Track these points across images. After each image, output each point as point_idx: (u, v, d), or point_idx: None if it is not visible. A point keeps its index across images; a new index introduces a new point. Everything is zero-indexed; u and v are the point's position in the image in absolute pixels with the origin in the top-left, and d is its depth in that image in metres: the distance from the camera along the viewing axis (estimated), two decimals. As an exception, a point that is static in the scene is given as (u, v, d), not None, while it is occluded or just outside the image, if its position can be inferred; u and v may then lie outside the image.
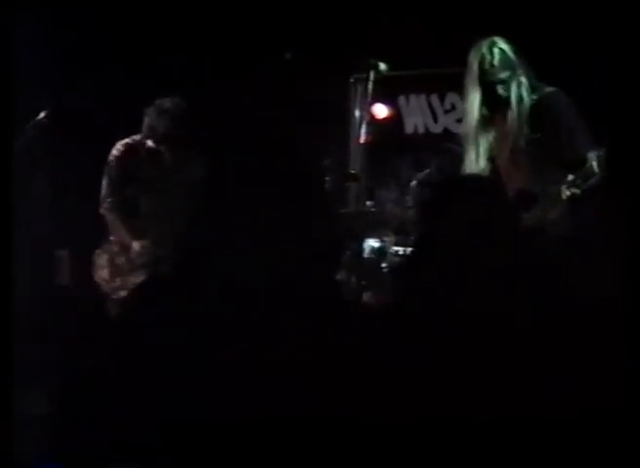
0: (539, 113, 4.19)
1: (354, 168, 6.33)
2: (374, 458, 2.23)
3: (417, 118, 6.66)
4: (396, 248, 5.84)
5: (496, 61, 4.16)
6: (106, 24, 5.77)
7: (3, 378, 2.97)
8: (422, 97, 6.61)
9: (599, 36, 5.21)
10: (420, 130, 6.67)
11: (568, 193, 3.96)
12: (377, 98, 5.99)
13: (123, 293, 4.67)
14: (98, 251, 4.85)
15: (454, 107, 6.50)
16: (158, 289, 2.56)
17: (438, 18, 5.95)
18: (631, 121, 4.49)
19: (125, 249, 4.79)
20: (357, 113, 6.37)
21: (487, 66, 4.17)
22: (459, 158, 6.07)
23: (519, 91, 4.18)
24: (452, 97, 6.50)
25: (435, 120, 6.61)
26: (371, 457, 2.23)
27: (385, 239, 5.97)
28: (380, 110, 6.17)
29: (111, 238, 4.87)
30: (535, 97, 4.22)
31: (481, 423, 2.30)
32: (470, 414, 2.32)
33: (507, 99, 4.21)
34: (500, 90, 4.19)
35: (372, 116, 6.02)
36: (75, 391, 2.32)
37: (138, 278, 4.63)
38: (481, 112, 4.27)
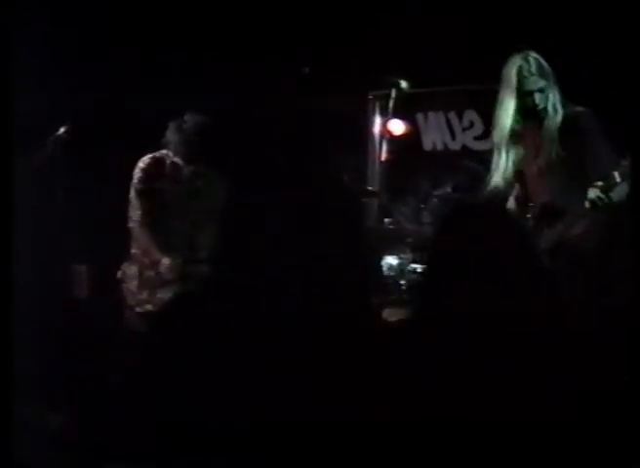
0: (568, 129, 4.17)
1: (373, 184, 6.34)
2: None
3: (435, 135, 6.66)
4: (414, 265, 5.83)
5: (533, 70, 4.16)
6: (110, 29, 5.78)
7: (3, 380, 2.96)
8: (441, 114, 6.61)
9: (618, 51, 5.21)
10: (439, 147, 6.67)
11: (592, 196, 3.92)
12: (396, 116, 6.01)
13: (149, 307, 4.60)
14: (128, 260, 4.80)
15: (472, 124, 6.50)
16: (185, 304, 2.57)
17: (456, 36, 5.95)
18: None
19: (154, 263, 4.76)
20: (376, 130, 6.38)
21: (525, 74, 4.16)
22: (477, 175, 6.11)
23: (554, 102, 4.19)
24: (470, 115, 6.50)
25: (453, 137, 6.61)
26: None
27: (403, 256, 5.95)
28: (399, 127, 6.18)
29: (134, 251, 4.81)
30: (564, 112, 4.20)
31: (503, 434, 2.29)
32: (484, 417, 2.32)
33: (543, 110, 4.19)
34: (537, 99, 4.17)
35: (391, 133, 6.04)
36: (75, 393, 2.33)
37: (165, 294, 4.58)
38: (515, 122, 4.25)
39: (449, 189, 6.15)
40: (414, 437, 2.27)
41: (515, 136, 4.27)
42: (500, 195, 4.29)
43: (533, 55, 4.18)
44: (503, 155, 4.26)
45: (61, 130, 4.83)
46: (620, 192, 3.89)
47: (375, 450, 2.25)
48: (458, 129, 6.57)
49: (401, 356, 2.42)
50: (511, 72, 4.18)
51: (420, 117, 6.65)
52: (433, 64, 6.05)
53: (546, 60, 4.19)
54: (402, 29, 6.04)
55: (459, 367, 2.40)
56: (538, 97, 4.16)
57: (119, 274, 4.78)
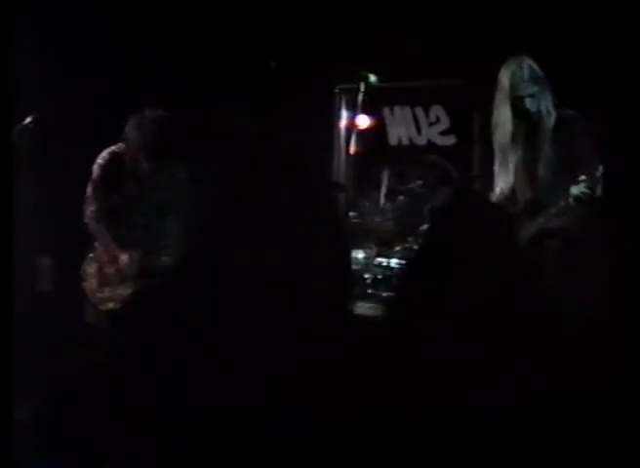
0: (559, 131, 4.35)
1: (339, 178, 6.34)
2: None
3: (401, 130, 6.65)
4: (379, 259, 5.85)
5: (525, 76, 4.33)
6: (93, 30, 5.74)
7: (2, 379, 2.93)
8: (407, 108, 6.60)
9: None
10: (404, 142, 6.66)
11: (576, 192, 4.06)
12: (362, 110, 6.00)
13: (111, 305, 4.65)
14: (88, 258, 4.79)
15: (438, 120, 6.50)
16: (148, 301, 2.55)
17: (424, 30, 5.95)
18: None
19: (114, 259, 4.75)
20: (342, 124, 6.38)
21: (517, 80, 4.34)
22: (442, 170, 6.14)
23: (547, 105, 4.36)
24: (436, 110, 6.50)
25: (419, 132, 6.61)
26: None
27: (368, 250, 5.96)
28: (365, 121, 6.18)
29: (96, 245, 4.81)
30: (557, 114, 4.38)
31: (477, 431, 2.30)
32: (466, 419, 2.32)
33: (536, 113, 4.36)
34: (529, 103, 4.34)
35: (357, 127, 6.03)
36: (75, 392, 2.31)
37: (126, 290, 4.61)
38: (512, 125, 4.39)
39: (414, 184, 6.18)
40: (380, 435, 2.27)
41: (515, 139, 4.42)
42: (508, 199, 4.40)
43: (527, 61, 4.37)
44: (510, 157, 4.40)
45: (27, 120, 4.77)
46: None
47: (337, 447, 2.25)
48: (424, 124, 6.57)
49: (365, 350, 2.42)
50: (504, 79, 4.38)
51: (386, 111, 6.64)
52: (401, 59, 6.04)
53: (539, 65, 4.37)
54: (370, 23, 6.03)
55: (433, 362, 2.41)
56: (528, 101, 4.33)
57: (81, 272, 4.78)
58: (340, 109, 6.54)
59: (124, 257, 4.70)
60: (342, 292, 2.43)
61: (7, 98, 3.14)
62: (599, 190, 4.08)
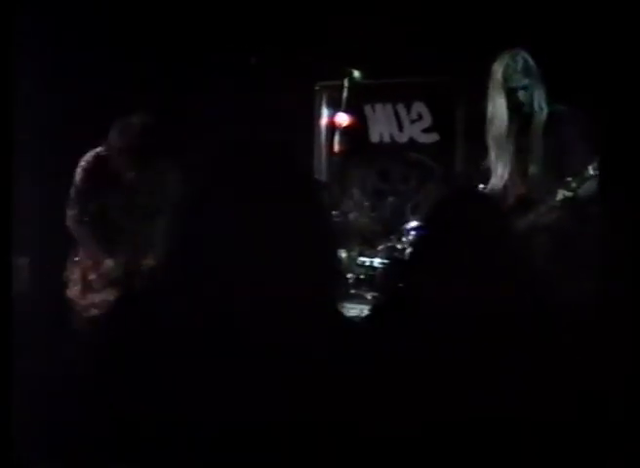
0: (550, 125, 4.35)
1: (320, 176, 6.28)
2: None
3: (382, 127, 6.58)
4: (362, 258, 5.79)
5: (519, 68, 4.32)
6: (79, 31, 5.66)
7: (2, 379, 2.87)
8: (389, 106, 6.54)
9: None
10: (386, 139, 6.60)
11: (561, 196, 4.12)
12: (343, 107, 5.95)
13: (94, 311, 4.49)
14: (72, 263, 4.71)
15: (420, 117, 6.45)
16: (130, 306, 2.48)
17: (406, 27, 5.90)
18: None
19: (97, 264, 4.65)
20: (323, 121, 6.31)
21: (510, 72, 4.33)
22: (423, 167, 6.10)
23: (539, 100, 4.35)
24: (418, 107, 6.44)
25: (401, 129, 6.54)
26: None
27: (351, 250, 5.91)
28: (347, 119, 6.12)
29: (80, 250, 4.72)
30: (548, 110, 4.38)
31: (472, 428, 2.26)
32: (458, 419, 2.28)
33: (529, 107, 4.36)
34: (522, 96, 4.33)
35: (338, 124, 5.98)
36: (75, 392, 2.24)
37: (109, 295, 4.45)
38: (507, 118, 4.39)
39: (396, 182, 6.14)
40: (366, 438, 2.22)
41: (508, 133, 4.41)
42: (501, 192, 4.42)
43: (521, 53, 4.36)
44: (504, 150, 4.41)
45: None
46: (590, 186, 4.09)
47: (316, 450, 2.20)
48: (406, 121, 6.51)
49: (348, 351, 2.36)
50: (498, 71, 4.36)
51: (367, 109, 6.57)
52: (382, 56, 5.98)
53: (533, 58, 4.35)
54: (351, 20, 5.97)
55: (426, 362, 2.37)
56: (522, 94, 4.33)
57: (64, 278, 4.69)
58: (320, 107, 6.48)
59: (108, 262, 4.60)
60: (330, 292, 2.37)
61: (7, 99, 3.07)
62: (586, 190, 4.09)
